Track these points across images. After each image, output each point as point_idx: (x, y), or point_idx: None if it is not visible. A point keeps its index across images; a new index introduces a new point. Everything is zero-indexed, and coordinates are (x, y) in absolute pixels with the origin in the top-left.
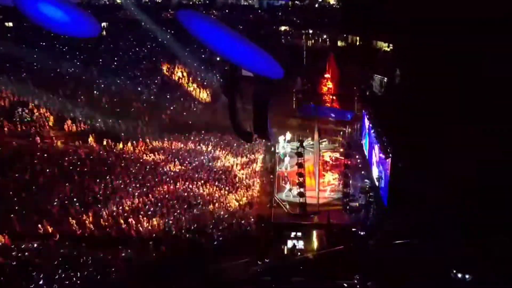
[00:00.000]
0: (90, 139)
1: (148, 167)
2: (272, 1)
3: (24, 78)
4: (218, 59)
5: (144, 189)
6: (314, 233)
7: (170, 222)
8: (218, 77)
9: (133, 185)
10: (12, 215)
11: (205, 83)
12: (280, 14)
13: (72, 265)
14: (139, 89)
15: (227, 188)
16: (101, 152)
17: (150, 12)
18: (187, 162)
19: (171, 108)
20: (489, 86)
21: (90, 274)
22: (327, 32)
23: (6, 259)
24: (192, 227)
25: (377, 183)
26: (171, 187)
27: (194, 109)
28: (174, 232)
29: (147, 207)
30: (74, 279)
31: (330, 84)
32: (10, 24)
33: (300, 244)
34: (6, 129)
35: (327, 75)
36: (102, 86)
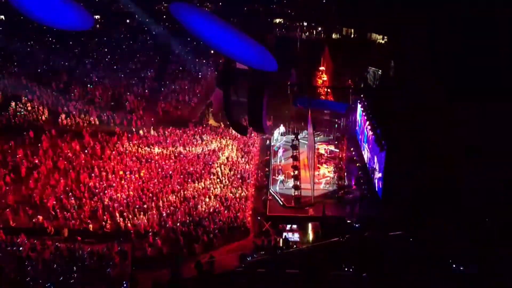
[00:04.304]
0: (84, 132)
1: (143, 160)
2: None
3: (17, 72)
4: (212, 52)
5: (140, 183)
6: (309, 225)
7: (166, 215)
8: (213, 70)
9: (129, 178)
10: (7, 210)
11: (199, 76)
12: (274, 6)
13: (67, 259)
14: (133, 82)
15: (222, 181)
16: (95, 146)
17: (144, 4)
18: (182, 156)
19: (166, 101)
20: (484, 77)
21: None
22: (322, 24)
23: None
24: (188, 220)
25: (371, 175)
26: (167, 180)
27: (189, 102)
28: (169, 225)
29: (142, 200)
30: (70, 273)
31: (324, 77)
32: (2, 17)
33: (295, 237)
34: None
35: (321, 68)
36: (96, 79)
